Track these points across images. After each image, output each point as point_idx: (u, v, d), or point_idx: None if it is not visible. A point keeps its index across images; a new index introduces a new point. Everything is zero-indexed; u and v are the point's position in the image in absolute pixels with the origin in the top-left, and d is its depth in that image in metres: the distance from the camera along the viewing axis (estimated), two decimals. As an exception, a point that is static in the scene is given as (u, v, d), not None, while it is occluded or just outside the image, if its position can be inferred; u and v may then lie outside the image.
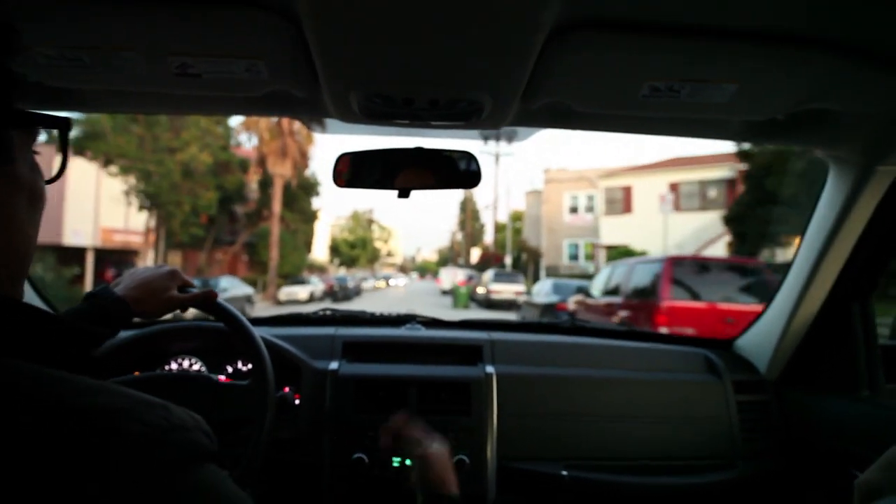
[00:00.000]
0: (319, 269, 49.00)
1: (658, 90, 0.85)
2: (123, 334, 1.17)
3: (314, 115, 1.06)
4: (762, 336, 1.52)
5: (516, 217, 46.63)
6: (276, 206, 23.70)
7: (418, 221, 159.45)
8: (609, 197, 24.78)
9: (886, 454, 0.56)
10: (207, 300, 0.98)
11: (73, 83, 0.87)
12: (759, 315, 1.56)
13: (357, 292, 30.23)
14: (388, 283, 50.06)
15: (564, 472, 1.29)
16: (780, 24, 0.73)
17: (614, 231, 23.56)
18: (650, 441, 1.36)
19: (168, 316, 0.98)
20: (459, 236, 71.47)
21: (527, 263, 29.77)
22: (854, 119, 1.03)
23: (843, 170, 1.20)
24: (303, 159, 24.28)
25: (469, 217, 63.70)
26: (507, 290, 19.53)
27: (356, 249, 59.19)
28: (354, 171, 1.10)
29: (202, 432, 0.40)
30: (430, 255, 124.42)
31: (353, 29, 0.68)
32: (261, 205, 25.02)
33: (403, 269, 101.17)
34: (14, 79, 0.45)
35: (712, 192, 20.92)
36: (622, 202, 24.20)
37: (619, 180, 24.37)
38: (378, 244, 74.44)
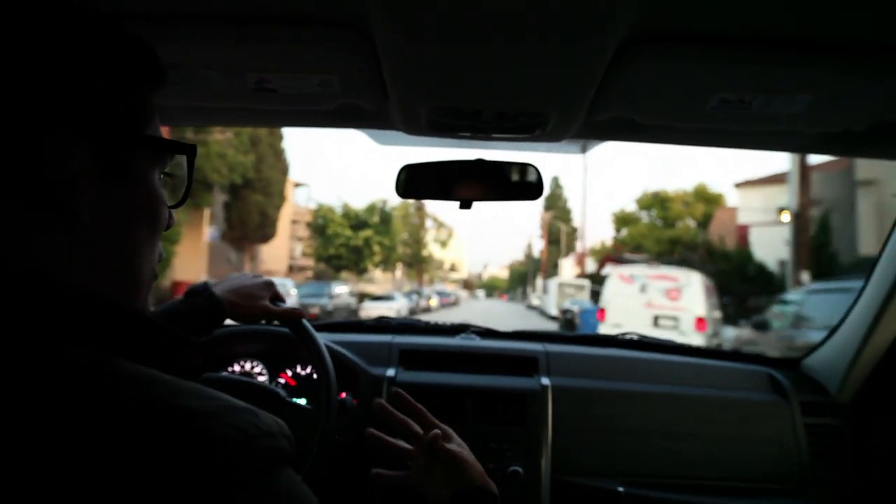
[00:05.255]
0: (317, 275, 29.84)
1: (728, 102, 0.83)
2: None
3: (380, 127, 1.09)
4: (834, 355, 1.45)
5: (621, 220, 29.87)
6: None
7: (486, 237, 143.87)
8: None
9: None
10: (295, 318, 1.04)
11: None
12: (829, 333, 1.50)
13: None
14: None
15: (621, 489, 1.28)
16: (857, 33, 0.70)
17: None
18: (711, 460, 1.33)
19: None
20: (540, 244, 53.19)
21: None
22: None
23: None
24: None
25: (583, 228, 44.93)
26: None
27: (364, 231, 28.79)
28: (417, 181, 1.14)
29: (285, 438, 0.42)
30: (498, 271, 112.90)
31: (426, 44, 0.70)
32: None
33: (468, 286, 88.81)
34: (147, 107, 0.47)
35: None
36: None
37: None
38: (434, 246, 54.75)
